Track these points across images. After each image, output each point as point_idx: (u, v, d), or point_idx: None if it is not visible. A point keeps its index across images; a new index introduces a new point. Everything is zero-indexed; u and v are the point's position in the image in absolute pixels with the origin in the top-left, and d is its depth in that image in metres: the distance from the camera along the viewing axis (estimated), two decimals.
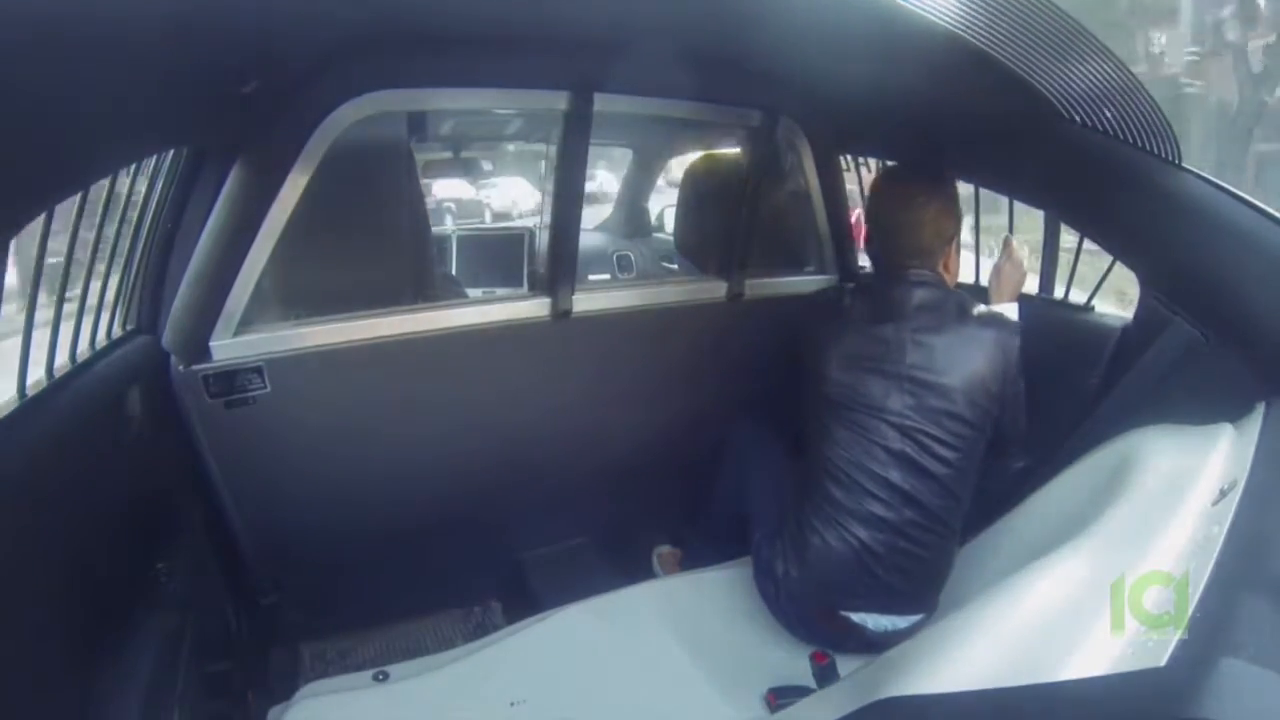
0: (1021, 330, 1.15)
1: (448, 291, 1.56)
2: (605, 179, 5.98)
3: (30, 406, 0.82)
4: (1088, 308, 1.29)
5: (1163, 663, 0.55)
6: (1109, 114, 0.90)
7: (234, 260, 1.08)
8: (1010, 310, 1.23)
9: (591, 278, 2.31)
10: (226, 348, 1.12)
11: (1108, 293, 1.29)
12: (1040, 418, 1.26)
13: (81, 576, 0.84)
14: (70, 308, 0.96)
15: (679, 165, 2.71)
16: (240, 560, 1.31)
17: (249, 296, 1.12)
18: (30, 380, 0.85)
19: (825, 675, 1.13)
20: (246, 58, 0.88)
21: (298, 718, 1.09)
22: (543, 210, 1.40)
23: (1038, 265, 1.38)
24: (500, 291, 1.87)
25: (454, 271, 2.11)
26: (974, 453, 1.13)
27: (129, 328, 1.14)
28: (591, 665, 1.16)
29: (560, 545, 1.62)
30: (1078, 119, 0.92)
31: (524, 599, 1.45)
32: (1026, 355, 1.15)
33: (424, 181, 2.05)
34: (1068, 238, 1.37)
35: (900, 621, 1.14)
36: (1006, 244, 1.29)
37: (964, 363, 1.10)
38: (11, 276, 0.82)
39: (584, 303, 1.36)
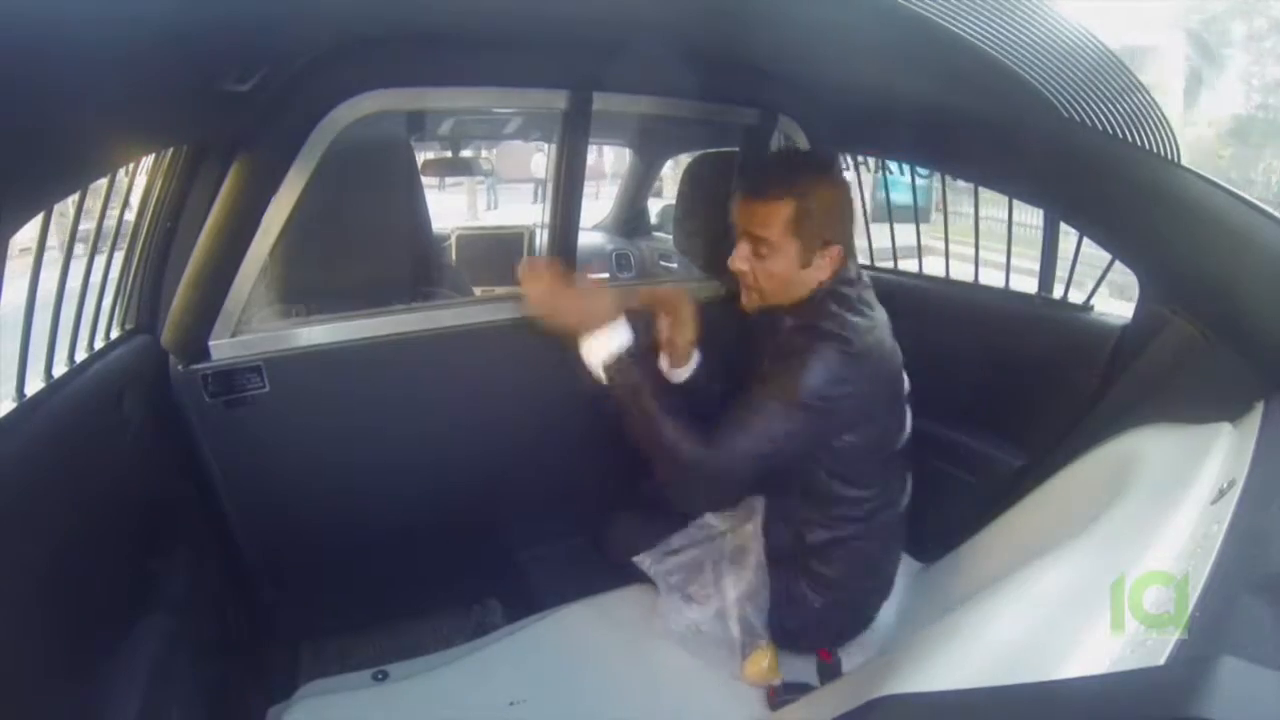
0: (1021, 330, 1.14)
1: (454, 286, 1.56)
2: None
3: (29, 408, 0.82)
4: (1087, 307, 1.29)
5: (1162, 662, 0.55)
6: (1108, 112, 0.90)
7: (232, 259, 1.08)
8: None
9: (591, 277, 2.31)
10: (225, 347, 1.12)
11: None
12: (1040, 417, 1.27)
13: (81, 577, 0.84)
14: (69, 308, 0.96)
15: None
16: (239, 560, 1.31)
17: (248, 296, 1.11)
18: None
19: (827, 673, 1.13)
20: (245, 56, 0.88)
21: (297, 717, 1.09)
22: (542, 210, 1.40)
23: None
24: (500, 290, 1.87)
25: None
26: None
27: (128, 328, 1.14)
28: (591, 664, 1.16)
29: (560, 545, 1.62)
30: (1077, 117, 0.92)
31: (523, 598, 1.45)
32: (1026, 355, 1.14)
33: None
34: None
35: None
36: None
37: None
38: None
39: None
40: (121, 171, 1.00)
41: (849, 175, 1.77)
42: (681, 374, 1.20)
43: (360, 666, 1.23)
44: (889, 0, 0.70)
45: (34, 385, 0.86)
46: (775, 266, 1.08)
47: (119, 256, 1.09)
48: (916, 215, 1.70)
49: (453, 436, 1.35)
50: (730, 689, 1.12)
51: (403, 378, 1.27)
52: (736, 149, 1.51)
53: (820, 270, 1.08)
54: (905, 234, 1.72)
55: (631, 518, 1.31)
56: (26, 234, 0.74)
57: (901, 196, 1.73)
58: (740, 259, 1.11)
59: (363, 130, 1.11)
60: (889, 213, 1.70)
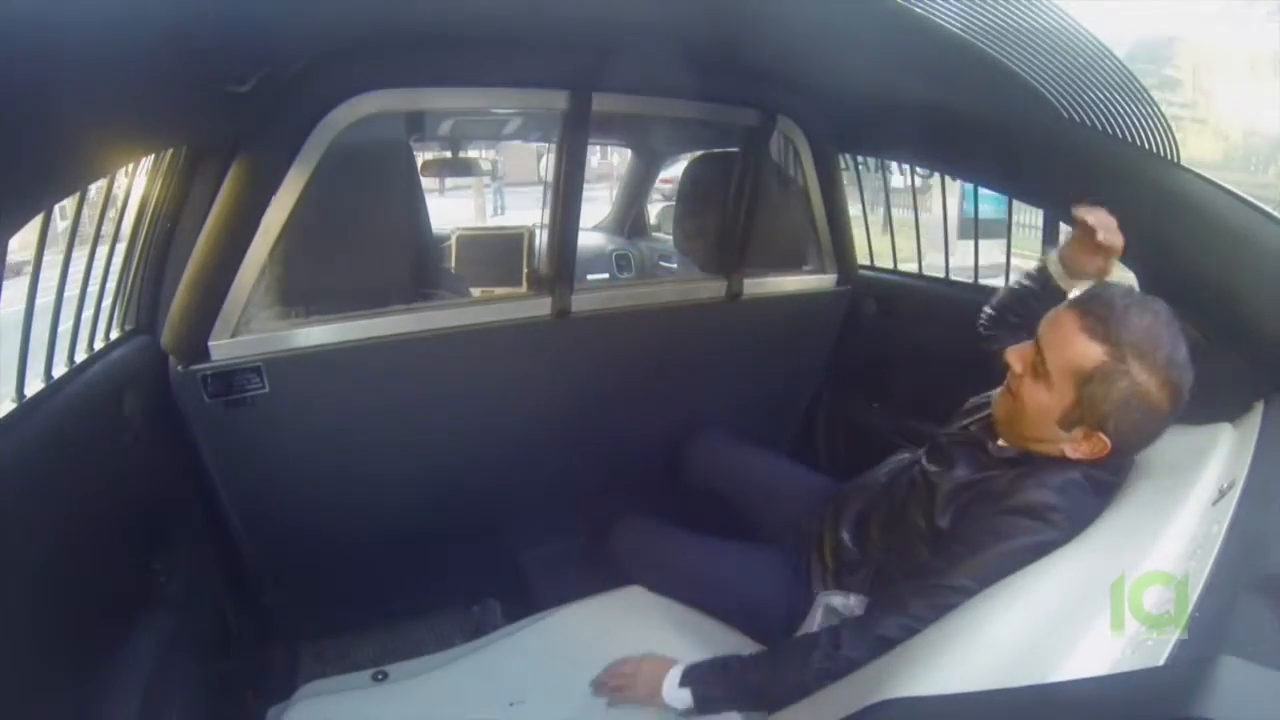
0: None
1: (450, 287, 1.56)
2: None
3: (29, 408, 0.82)
4: None
5: (1162, 662, 0.55)
6: (1108, 113, 0.90)
7: (232, 260, 1.08)
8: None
9: (590, 277, 2.31)
10: (225, 348, 1.12)
11: None
12: None
13: (81, 577, 0.84)
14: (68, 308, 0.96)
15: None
16: (239, 560, 1.31)
17: (247, 296, 1.11)
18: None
19: None
20: (244, 57, 0.88)
21: (297, 717, 1.09)
22: (542, 210, 1.40)
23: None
24: (499, 291, 1.87)
25: (453, 271, 2.10)
26: None
27: (127, 328, 1.14)
28: (591, 664, 1.16)
29: (560, 545, 1.62)
30: (1077, 118, 0.92)
31: (523, 598, 1.45)
32: None
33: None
34: None
35: None
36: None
37: None
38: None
39: (583, 302, 1.36)
40: (121, 172, 1.00)
41: (850, 174, 1.76)
42: None
43: (360, 666, 1.23)
44: (889, 1, 0.70)
45: (34, 386, 0.86)
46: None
47: (118, 258, 1.09)
48: (1010, 230, 1.58)
49: (452, 437, 1.35)
50: None
51: (403, 378, 1.27)
52: (736, 149, 1.51)
53: None
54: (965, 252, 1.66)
55: (640, 525, 1.30)
56: (21, 241, 0.75)
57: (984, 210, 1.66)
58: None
59: (362, 131, 1.11)
60: (975, 228, 1.63)
